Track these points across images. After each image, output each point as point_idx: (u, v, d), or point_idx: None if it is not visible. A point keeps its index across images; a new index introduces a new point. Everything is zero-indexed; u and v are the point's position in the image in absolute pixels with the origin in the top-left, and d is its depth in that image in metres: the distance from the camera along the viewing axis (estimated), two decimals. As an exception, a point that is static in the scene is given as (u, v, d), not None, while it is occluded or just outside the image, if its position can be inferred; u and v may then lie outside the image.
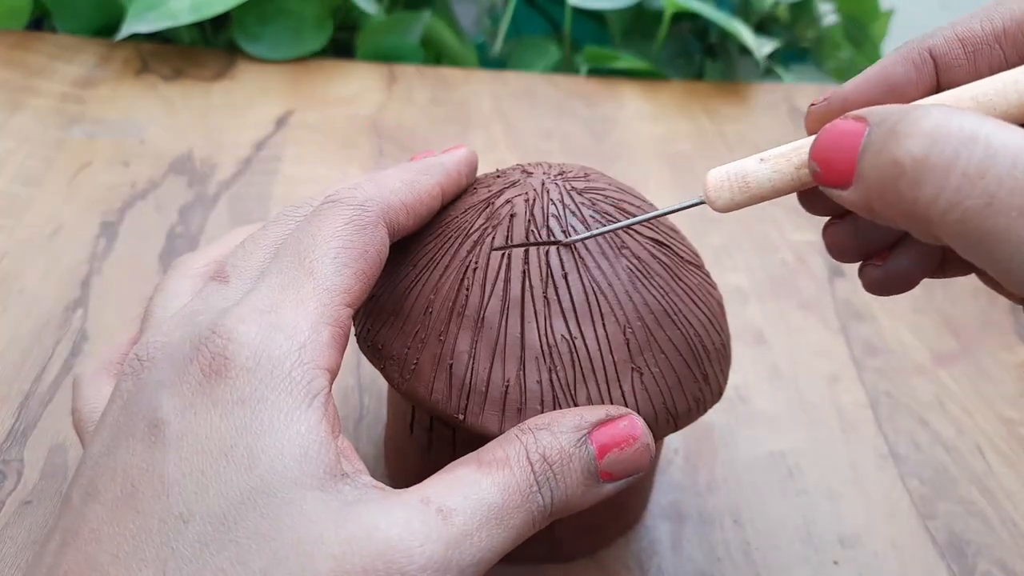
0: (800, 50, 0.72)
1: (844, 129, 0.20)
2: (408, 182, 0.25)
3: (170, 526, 0.18)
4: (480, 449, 0.22)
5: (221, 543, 0.18)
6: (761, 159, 0.23)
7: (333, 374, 0.21)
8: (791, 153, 0.22)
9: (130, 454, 0.19)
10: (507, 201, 0.26)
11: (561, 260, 0.25)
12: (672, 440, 0.35)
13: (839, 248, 0.24)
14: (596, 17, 0.67)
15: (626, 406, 0.25)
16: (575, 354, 0.24)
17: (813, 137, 0.21)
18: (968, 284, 0.46)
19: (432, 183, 0.26)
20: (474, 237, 0.26)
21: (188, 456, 0.19)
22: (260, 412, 0.19)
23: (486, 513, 0.20)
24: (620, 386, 0.25)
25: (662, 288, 0.26)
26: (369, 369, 0.37)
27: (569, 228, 0.26)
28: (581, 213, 0.26)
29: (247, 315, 0.20)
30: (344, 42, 0.62)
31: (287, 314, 0.21)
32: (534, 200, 0.26)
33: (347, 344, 0.22)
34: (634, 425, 0.23)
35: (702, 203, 0.23)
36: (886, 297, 0.44)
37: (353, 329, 0.27)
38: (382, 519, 0.19)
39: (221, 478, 0.19)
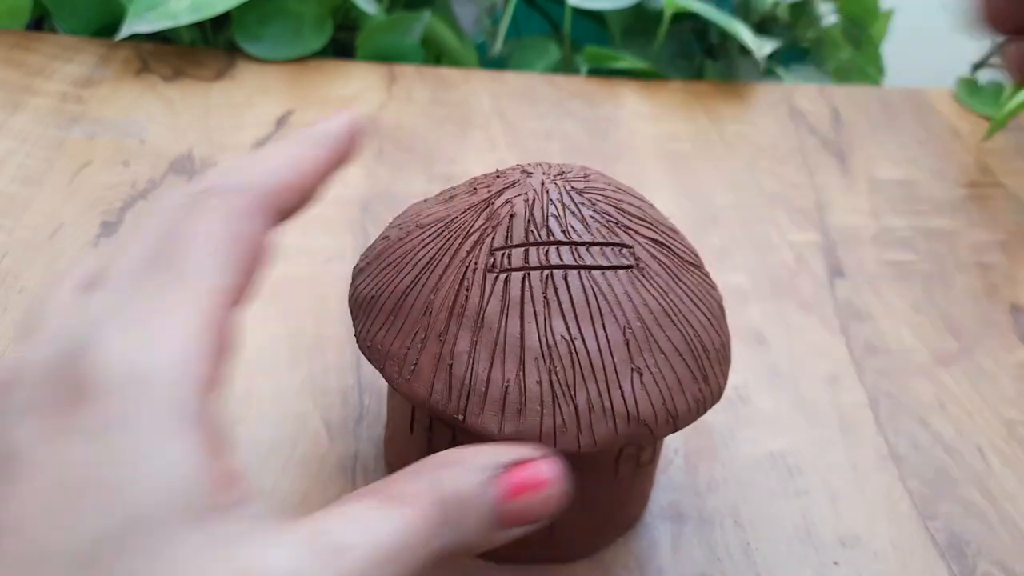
0: (800, 50, 0.72)
1: None
2: (291, 159, 0.22)
3: (24, 570, 0.16)
4: (386, 480, 0.21)
5: None
6: None
7: (215, 385, 0.19)
8: None
9: None
10: (507, 201, 0.26)
11: (561, 260, 0.25)
12: (672, 440, 0.35)
13: (997, 15, 0.21)
14: (596, 17, 0.67)
15: (625, 406, 0.25)
16: (575, 355, 0.24)
17: None
18: (969, 285, 0.46)
19: (315, 155, 0.23)
20: (474, 237, 0.26)
21: (42, 490, 0.17)
22: (125, 439, 0.17)
23: (384, 553, 0.18)
24: (620, 386, 0.25)
25: (662, 288, 0.26)
26: (369, 369, 0.37)
27: (568, 228, 0.26)
28: (581, 213, 0.26)
29: (114, 333, 0.18)
30: (344, 42, 0.62)
31: (158, 324, 0.19)
32: (534, 200, 0.26)
33: (230, 348, 0.20)
34: (543, 471, 0.22)
35: None
36: (887, 298, 0.44)
37: (354, 329, 0.27)
38: (270, 554, 0.17)
39: (80, 514, 0.17)
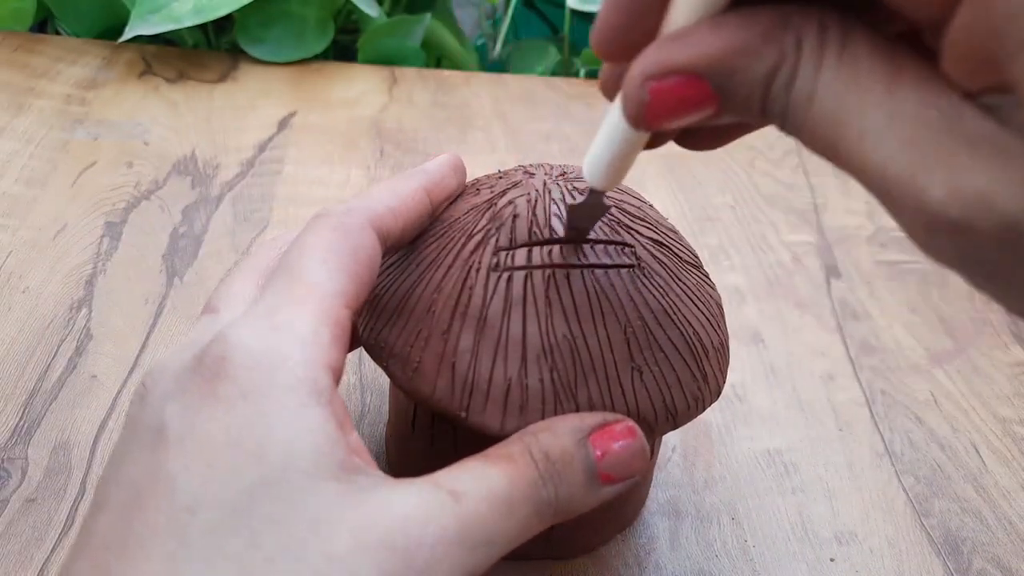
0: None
1: None
2: (390, 188, 0.25)
3: (177, 519, 0.18)
4: (485, 451, 0.22)
5: (233, 529, 0.18)
6: None
7: (337, 373, 0.21)
8: None
9: (134, 462, 0.20)
10: (510, 202, 0.27)
11: (564, 259, 0.25)
12: (670, 438, 0.36)
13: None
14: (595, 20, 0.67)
15: (626, 404, 0.25)
16: (576, 353, 0.25)
17: None
18: (964, 285, 0.47)
19: (414, 186, 0.26)
20: (477, 238, 0.26)
21: (192, 450, 0.19)
22: (265, 406, 0.19)
23: (495, 498, 0.20)
24: (620, 385, 0.25)
25: (662, 288, 0.26)
26: (371, 367, 0.37)
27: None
28: (582, 213, 0.26)
29: (244, 323, 0.21)
30: (346, 45, 0.63)
31: (285, 317, 0.21)
32: (536, 200, 0.26)
33: (349, 346, 0.22)
34: (630, 430, 0.24)
35: None
36: (882, 297, 0.45)
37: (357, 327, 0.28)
38: (396, 497, 0.19)
39: (229, 468, 0.19)
